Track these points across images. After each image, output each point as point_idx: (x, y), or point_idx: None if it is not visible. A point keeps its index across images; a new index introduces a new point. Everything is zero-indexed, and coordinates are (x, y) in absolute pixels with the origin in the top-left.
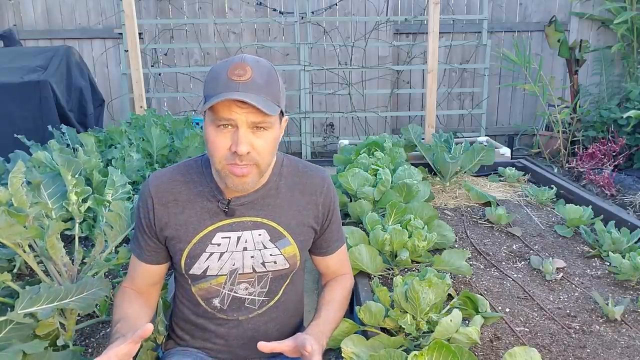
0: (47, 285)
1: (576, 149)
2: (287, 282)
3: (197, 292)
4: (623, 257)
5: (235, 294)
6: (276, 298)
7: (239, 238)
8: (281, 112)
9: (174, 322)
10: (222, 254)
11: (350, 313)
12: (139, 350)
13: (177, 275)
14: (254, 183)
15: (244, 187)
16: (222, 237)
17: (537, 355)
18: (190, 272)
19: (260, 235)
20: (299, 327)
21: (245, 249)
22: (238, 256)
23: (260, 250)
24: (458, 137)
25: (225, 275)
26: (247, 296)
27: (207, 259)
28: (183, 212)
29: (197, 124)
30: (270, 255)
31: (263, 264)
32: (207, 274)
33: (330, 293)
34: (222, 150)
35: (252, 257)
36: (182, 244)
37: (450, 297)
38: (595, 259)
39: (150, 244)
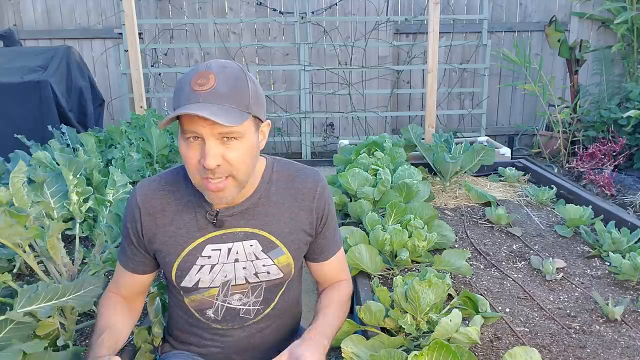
0: (45, 284)
1: (576, 149)
2: (282, 290)
3: (189, 303)
4: (623, 257)
5: (229, 305)
6: (272, 305)
7: (229, 250)
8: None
9: (169, 328)
10: (213, 266)
11: (350, 313)
12: (137, 353)
13: (169, 286)
14: (233, 196)
15: (222, 200)
16: (212, 250)
17: (537, 355)
18: (182, 284)
19: (251, 246)
20: (296, 330)
21: (236, 260)
22: (229, 268)
23: (252, 261)
24: (458, 137)
25: (218, 287)
26: (241, 307)
27: (198, 271)
28: (172, 224)
29: None
30: (263, 265)
31: (256, 274)
32: (198, 286)
33: (326, 298)
34: (194, 163)
35: (244, 268)
36: (171, 256)
37: (450, 297)
38: (595, 259)
39: (137, 254)
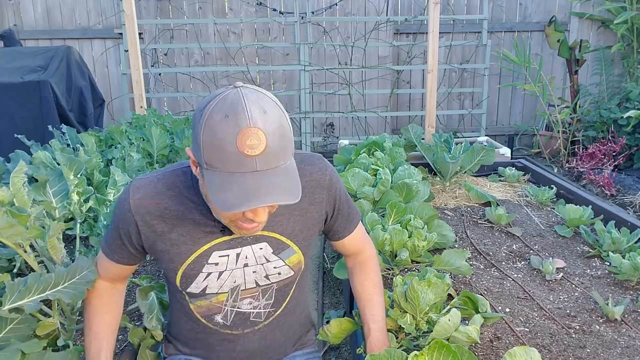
0: (37, 275)
1: (576, 149)
2: (293, 289)
3: (195, 309)
4: (623, 257)
5: (238, 310)
6: (283, 306)
7: (238, 255)
8: None
9: (172, 331)
10: (221, 272)
11: (349, 313)
12: (139, 348)
13: (172, 290)
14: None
15: (254, 233)
16: (219, 256)
17: (537, 355)
18: (188, 290)
19: (261, 249)
20: (305, 327)
21: (246, 265)
22: (239, 273)
23: (262, 264)
24: (458, 137)
25: (227, 292)
26: (251, 310)
27: (205, 278)
28: (173, 231)
29: None
30: (274, 267)
31: (267, 277)
32: (206, 292)
33: (364, 290)
34: (232, 214)
35: (254, 272)
36: (174, 264)
37: (450, 297)
38: (595, 259)
39: (125, 250)
